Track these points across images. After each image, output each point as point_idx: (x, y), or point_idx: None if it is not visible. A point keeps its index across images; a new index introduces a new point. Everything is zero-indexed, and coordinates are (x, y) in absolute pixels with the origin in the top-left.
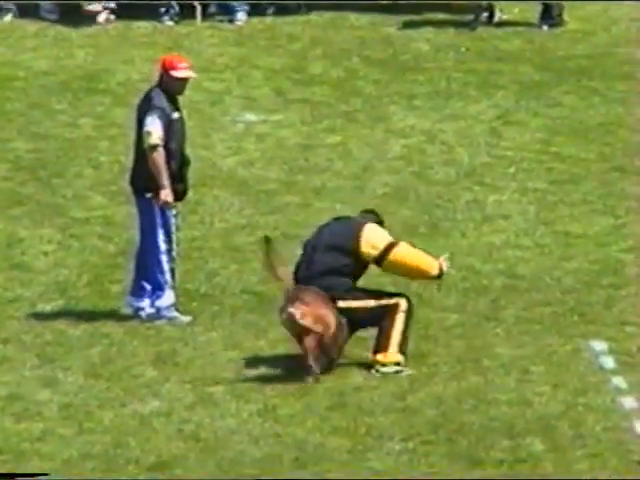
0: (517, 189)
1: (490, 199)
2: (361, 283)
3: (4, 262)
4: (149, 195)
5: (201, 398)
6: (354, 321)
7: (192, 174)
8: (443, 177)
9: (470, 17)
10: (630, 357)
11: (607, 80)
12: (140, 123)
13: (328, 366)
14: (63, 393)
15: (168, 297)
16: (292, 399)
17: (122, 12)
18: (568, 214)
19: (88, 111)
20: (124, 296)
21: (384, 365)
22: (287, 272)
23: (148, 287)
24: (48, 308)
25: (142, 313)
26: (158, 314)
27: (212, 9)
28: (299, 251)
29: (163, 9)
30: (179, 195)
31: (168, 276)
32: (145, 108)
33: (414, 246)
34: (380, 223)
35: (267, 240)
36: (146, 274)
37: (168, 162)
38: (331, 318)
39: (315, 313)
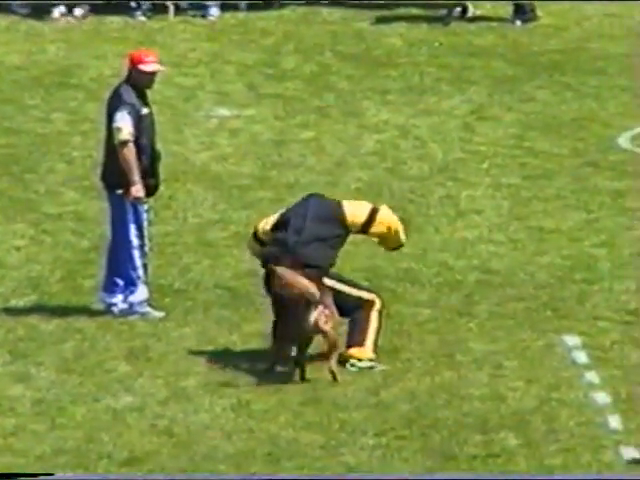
0: (490, 184)
1: (463, 194)
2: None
3: None
4: (120, 191)
5: (174, 393)
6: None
7: (165, 169)
8: (416, 172)
9: (443, 12)
10: (603, 352)
11: (580, 75)
12: (110, 119)
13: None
14: (36, 388)
15: (141, 292)
16: (265, 394)
17: (94, 10)
18: (541, 209)
19: (60, 106)
20: (97, 292)
21: (360, 360)
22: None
23: (121, 282)
24: (21, 303)
25: (115, 309)
26: (131, 309)
27: (185, 4)
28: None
29: (134, 4)
30: (151, 190)
31: (141, 271)
32: (115, 104)
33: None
34: None
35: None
36: (118, 269)
37: (139, 157)
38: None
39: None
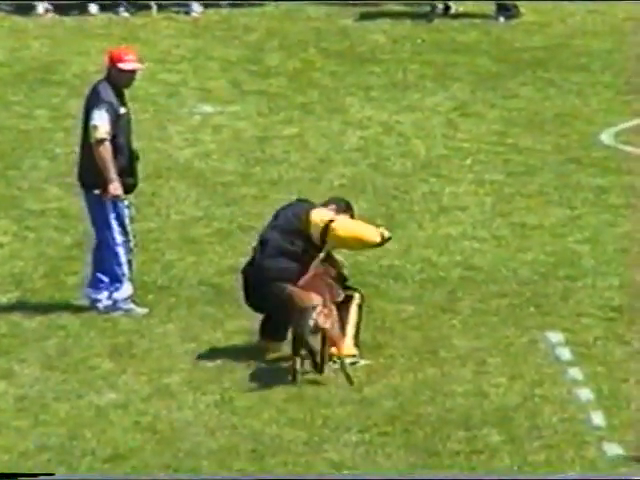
0: (473, 181)
1: (447, 191)
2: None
3: None
4: (97, 191)
5: (157, 390)
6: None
7: (148, 166)
8: (400, 169)
9: (427, 9)
10: (586, 348)
11: (563, 72)
12: (87, 117)
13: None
14: (19, 385)
15: (126, 289)
16: (249, 391)
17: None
18: (524, 206)
19: (43, 102)
20: (82, 288)
21: (339, 357)
22: None
23: (106, 279)
24: (4, 300)
25: (99, 305)
26: (115, 306)
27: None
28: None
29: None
30: (129, 189)
31: (125, 268)
32: (93, 102)
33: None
34: (347, 210)
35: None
36: (103, 267)
37: (116, 156)
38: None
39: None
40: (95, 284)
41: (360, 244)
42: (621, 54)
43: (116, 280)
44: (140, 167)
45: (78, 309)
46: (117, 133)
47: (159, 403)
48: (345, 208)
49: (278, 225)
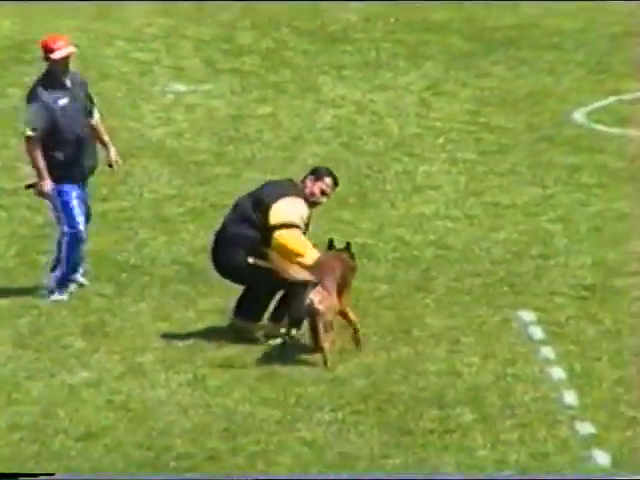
0: (446, 160)
1: (420, 170)
2: None
3: None
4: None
5: (130, 368)
6: (261, 281)
7: (121, 145)
8: (373, 148)
9: None
10: (559, 327)
11: (535, 50)
12: None
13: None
14: None
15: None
16: (221, 370)
17: None
18: (497, 184)
19: (15, 81)
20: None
21: (275, 336)
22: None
23: (60, 264)
24: None
25: (45, 290)
26: (56, 289)
27: None
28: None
29: None
30: (78, 177)
31: (77, 257)
32: (27, 98)
33: (306, 241)
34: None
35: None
36: (59, 252)
37: (57, 151)
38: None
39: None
40: (53, 268)
41: (289, 268)
42: (593, 33)
43: (64, 268)
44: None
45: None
46: (57, 128)
47: (132, 382)
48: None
49: (238, 211)
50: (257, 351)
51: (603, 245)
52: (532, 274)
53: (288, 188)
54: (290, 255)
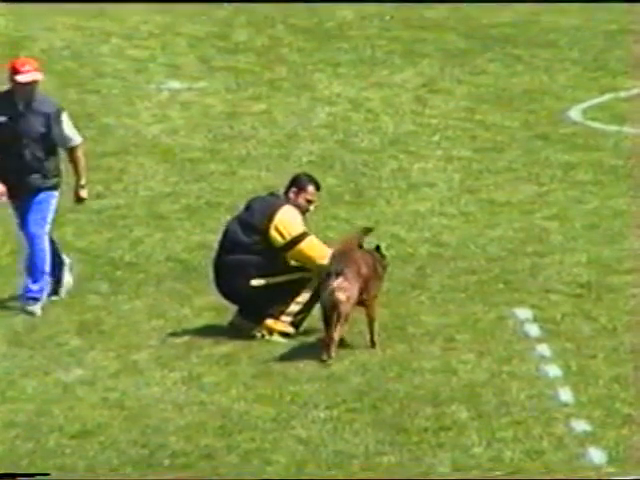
0: (442, 157)
1: (415, 167)
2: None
3: None
4: None
5: (125, 366)
6: (271, 297)
7: (116, 142)
8: (368, 145)
9: None
10: (554, 325)
11: (531, 48)
12: None
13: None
14: None
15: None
16: (217, 367)
17: None
18: (492, 182)
19: None
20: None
21: (271, 332)
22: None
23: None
24: None
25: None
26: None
27: None
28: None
29: None
30: (13, 194)
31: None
32: None
33: (319, 241)
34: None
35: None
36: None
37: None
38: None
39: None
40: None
41: (312, 266)
42: (589, 31)
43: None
44: (108, 143)
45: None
46: None
47: (127, 379)
48: (304, 184)
49: (241, 220)
50: (253, 349)
51: (599, 242)
52: (527, 271)
53: (276, 202)
54: (314, 261)
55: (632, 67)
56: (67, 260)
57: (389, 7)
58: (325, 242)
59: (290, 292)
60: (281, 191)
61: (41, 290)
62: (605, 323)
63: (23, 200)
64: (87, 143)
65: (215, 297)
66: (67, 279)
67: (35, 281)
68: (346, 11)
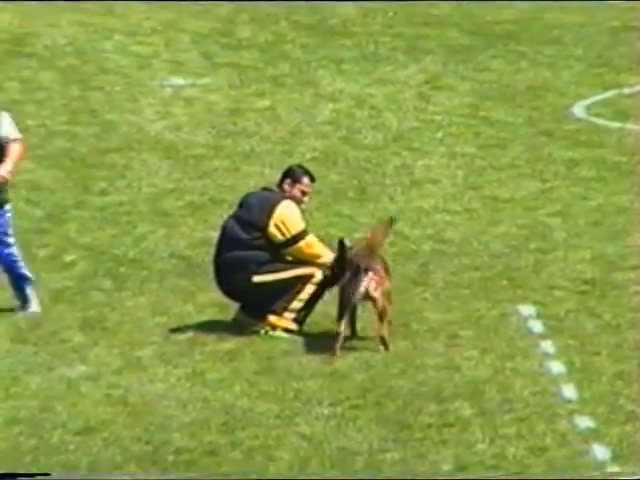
0: (445, 154)
1: (419, 164)
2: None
3: None
4: None
5: (129, 363)
6: (273, 293)
7: (120, 138)
8: (372, 142)
9: None
10: (558, 321)
11: (535, 44)
12: None
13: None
14: None
15: None
16: (220, 364)
17: None
18: (496, 178)
19: (14, 75)
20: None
21: (274, 328)
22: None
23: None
24: None
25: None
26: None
27: None
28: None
29: None
30: None
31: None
32: None
33: (318, 240)
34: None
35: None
36: None
37: None
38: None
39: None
40: None
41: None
42: (593, 27)
43: None
44: (112, 140)
45: (49, 282)
46: None
47: (130, 376)
48: (299, 176)
49: (238, 216)
50: (256, 345)
51: (602, 239)
52: (531, 268)
53: (274, 197)
54: (313, 260)
55: (636, 64)
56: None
57: (392, 4)
58: (323, 240)
59: (293, 288)
60: (274, 186)
61: (29, 290)
62: (609, 320)
63: None
64: (90, 139)
65: (218, 294)
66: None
67: (21, 289)
68: (349, 7)
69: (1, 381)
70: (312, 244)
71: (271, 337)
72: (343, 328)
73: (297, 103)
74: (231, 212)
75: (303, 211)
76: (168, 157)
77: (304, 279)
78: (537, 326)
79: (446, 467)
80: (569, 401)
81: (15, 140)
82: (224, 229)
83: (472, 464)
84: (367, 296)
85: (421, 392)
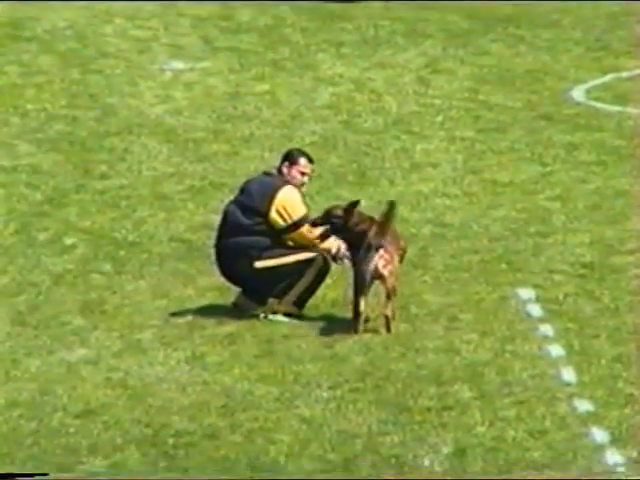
0: (445, 137)
1: (418, 147)
2: None
3: None
4: None
5: (129, 346)
6: (274, 278)
7: (120, 122)
8: (371, 125)
9: None
10: (557, 305)
11: (534, 28)
12: None
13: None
14: None
15: None
16: (220, 347)
17: None
18: (495, 162)
19: (14, 58)
20: (52, 244)
21: (274, 312)
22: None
23: None
24: None
25: None
26: None
27: None
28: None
29: None
30: None
31: None
32: None
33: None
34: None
35: (392, 206)
36: None
37: None
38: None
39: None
40: None
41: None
42: (592, 10)
43: None
44: (112, 123)
45: (49, 265)
46: None
47: (130, 359)
48: (296, 158)
49: (240, 201)
50: (256, 328)
51: (601, 223)
52: (530, 251)
53: (275, 182)
54: (314, 244)
55: (635, 47)
56: None
57: None
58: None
59: (294, 273)
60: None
61: None
62: (608, 303)
63: None
64: (90, 123)
65: (218, 277)
66: None
67: None
68: None
69: (1, 364)
70: (313, 229)
71: (271, 321)
72: (363, 307)
73: (297, 87)
74: (231, 196)
75: (304, 195)
76: (168, 141)
77: (305, 264)
78: (536, 309)
79: (445, 450)
80: (568, 384)
81: None
82: (225, 214)
83: (471, 447)
84: (376, 273)
85: (421, 375)
